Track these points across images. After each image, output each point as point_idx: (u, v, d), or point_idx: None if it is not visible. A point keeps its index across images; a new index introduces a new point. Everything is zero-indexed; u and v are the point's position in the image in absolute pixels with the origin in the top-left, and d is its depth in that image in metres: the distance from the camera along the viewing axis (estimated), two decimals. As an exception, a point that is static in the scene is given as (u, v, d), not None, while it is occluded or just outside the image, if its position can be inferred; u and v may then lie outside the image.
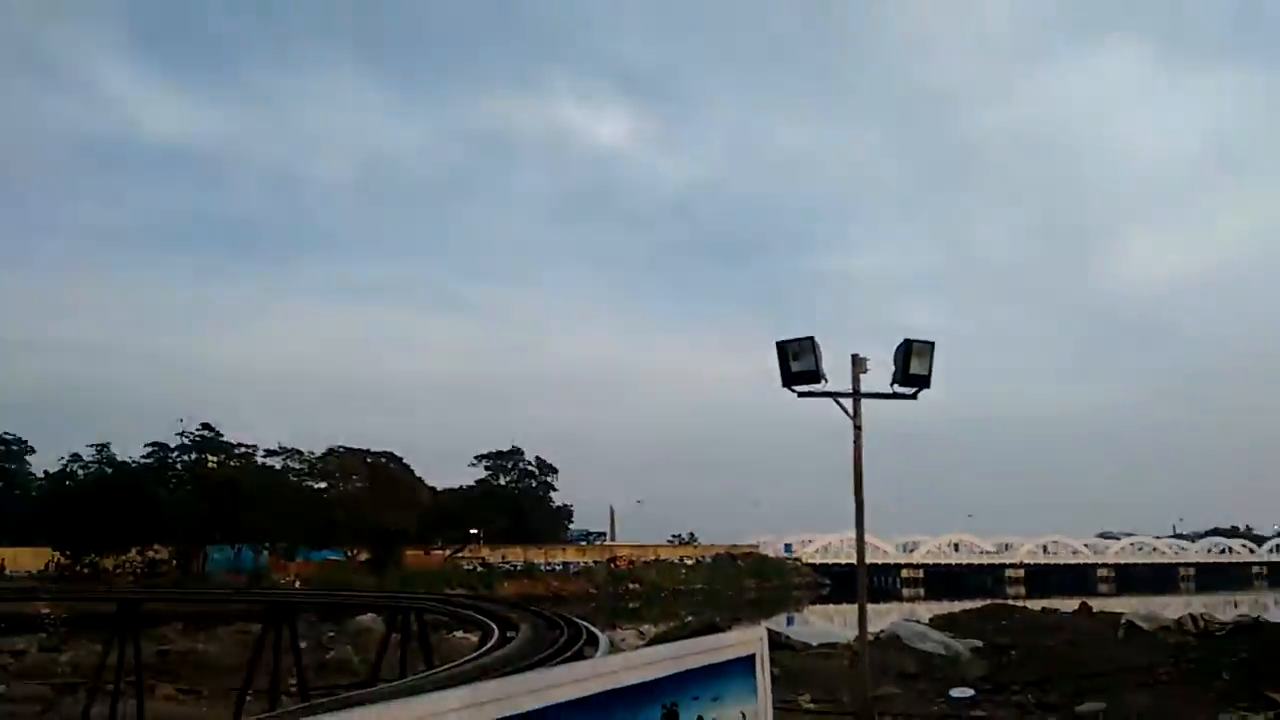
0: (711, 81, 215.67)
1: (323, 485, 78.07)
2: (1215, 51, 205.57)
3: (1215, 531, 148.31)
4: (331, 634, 33.49)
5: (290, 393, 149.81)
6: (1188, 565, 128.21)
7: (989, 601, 26.67)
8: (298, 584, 64.04)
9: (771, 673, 4.24)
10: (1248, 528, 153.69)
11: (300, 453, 78.73)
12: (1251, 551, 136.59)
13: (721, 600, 79.46)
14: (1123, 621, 19.90)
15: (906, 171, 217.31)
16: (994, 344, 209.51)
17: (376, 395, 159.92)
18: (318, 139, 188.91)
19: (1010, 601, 29.01)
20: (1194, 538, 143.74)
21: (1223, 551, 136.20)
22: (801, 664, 17.52)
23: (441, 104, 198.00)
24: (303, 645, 23.38)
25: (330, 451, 79.36)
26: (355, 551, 76.47)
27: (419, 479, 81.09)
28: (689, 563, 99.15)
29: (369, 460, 79.24)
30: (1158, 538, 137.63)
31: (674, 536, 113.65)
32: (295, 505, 70.48)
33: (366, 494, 72.24)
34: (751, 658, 4.30)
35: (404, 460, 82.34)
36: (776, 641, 19.89)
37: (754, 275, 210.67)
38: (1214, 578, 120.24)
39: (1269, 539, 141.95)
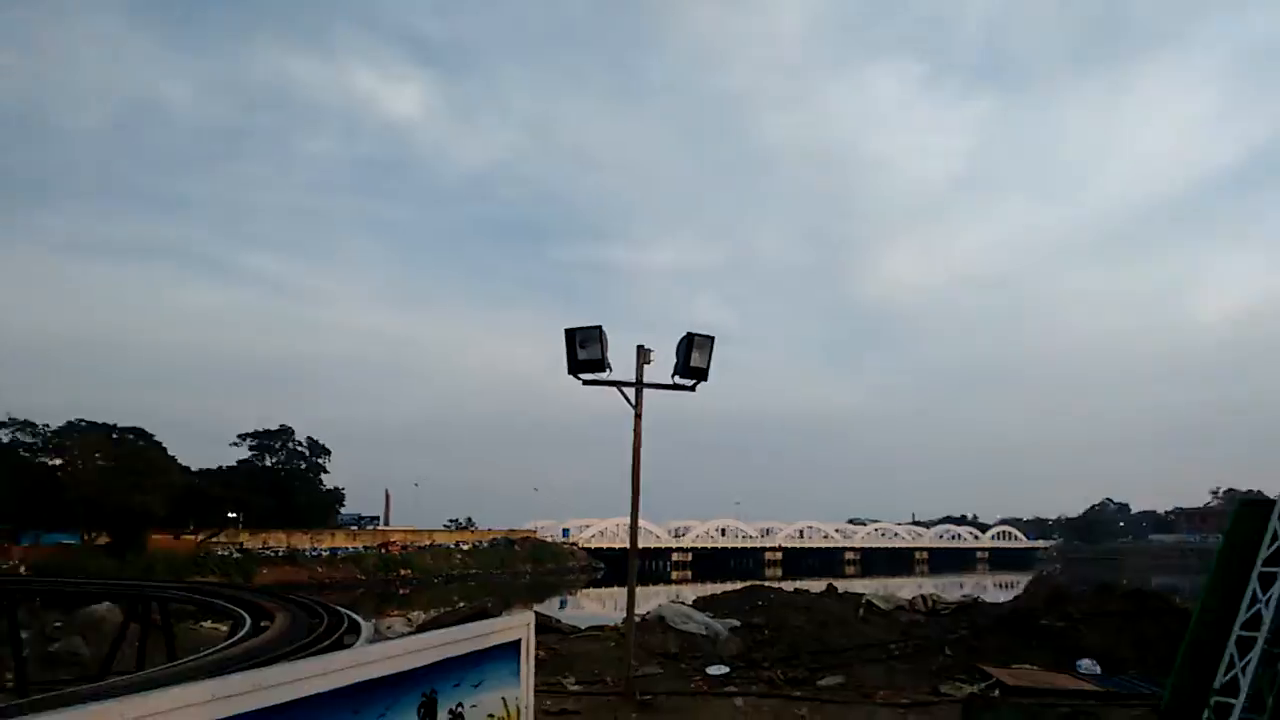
0: (509, 64, 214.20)
1: (58, 462, 70.74)
2: (974, 77, 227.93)
3: (947, 519, 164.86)
4: (59, 624, 30.28)
5: (23, 359, 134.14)
6: (923, 550, 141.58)
7: (749, 583, 28.13)
8: (23, 569, 57.76)
9: (538, 656, 4.28)
10: (974, 516, 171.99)
11: (33, 425, 71.45)
12: (976, 538, 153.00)
13: (497, 585, 79.17)
14: (863, 601, 21.39)
15: (696, 170, 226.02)
16: (765, 341, 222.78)
17: (127, 365, 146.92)
18: (67, 81, 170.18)
19: (767, 583, 30.83)
20: (929, 525, 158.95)
21: (953, 538, 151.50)
22: (569, 647, 17.77)
23: (215, 55, 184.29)
24: (24, 636, 21.09)
25: (69, 425, 72.54)
26: (93, 535, 69.75)
27: (171, 458, 75.27)
28: (465, 547, 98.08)
29: (114, 436, 72.92)
30: (898, 524, 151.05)
31: (451, 521, 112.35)
32: (24, 482, 63.50)
33: (109, 473, 65.99)
34: (517, 643, 4.32)
35: (155, 437, 76.67)
36: (546, 625, 20.09)
37: (546, 261, 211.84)
38: (945, 561, 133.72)
39: (991, 527, 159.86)
